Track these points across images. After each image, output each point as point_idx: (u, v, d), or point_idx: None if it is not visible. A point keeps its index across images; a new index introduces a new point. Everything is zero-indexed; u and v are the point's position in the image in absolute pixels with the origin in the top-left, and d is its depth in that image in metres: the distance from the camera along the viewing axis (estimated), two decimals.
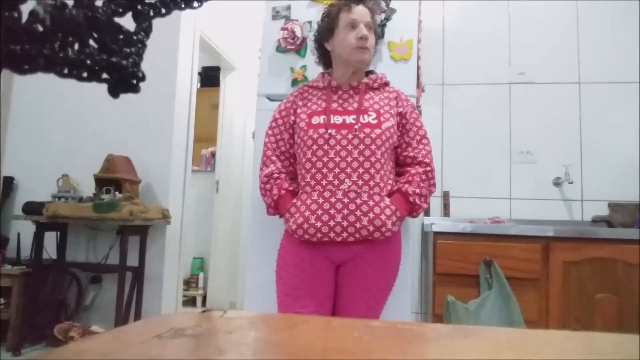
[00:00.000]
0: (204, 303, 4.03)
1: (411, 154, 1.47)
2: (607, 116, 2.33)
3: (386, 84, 1.52)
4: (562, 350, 0.43)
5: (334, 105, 1.45)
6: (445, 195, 2.39)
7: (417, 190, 1.41)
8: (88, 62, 0.33)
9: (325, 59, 1.57)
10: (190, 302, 4.07)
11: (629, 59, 2.34)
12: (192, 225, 3.82)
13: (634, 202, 2.20)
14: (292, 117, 1.50)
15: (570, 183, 2.23)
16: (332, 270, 1.42)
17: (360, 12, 1.45)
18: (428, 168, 1.46)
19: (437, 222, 1.99)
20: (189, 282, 4.06)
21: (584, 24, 2.40)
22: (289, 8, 1.89)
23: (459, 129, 2.45)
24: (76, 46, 0.33)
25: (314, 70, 1.71)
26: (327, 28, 1.49)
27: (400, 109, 1.47)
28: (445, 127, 2.46)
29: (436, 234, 1.93)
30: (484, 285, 1.82)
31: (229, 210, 3.95)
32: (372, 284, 1.39)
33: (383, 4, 1.79)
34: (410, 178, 1.43)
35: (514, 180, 2.37)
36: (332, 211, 1.34)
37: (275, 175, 1.48)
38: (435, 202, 2.40)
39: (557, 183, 2.32)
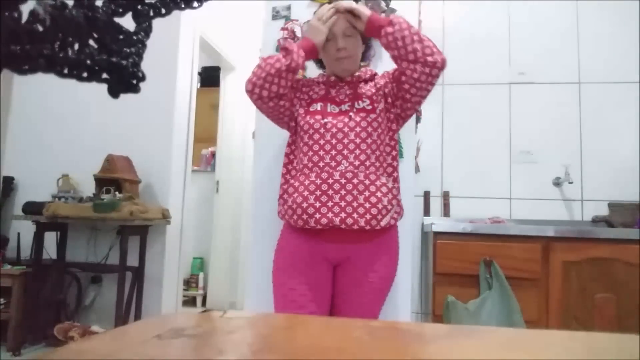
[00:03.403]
0: (204, 303, 4.03)
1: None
2: (607, 116, 2.33)
3: (375, 74, 1.55)
4: (562, 350, 0.43)
5: (331, 94, 1.49)
6: (445, 195, 2.39)
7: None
8: (88, 62, 0.33)
9: (320, 64, 1.61)
10: (190, 302, 4.07)
11: (629, 59, 2.34)
12: (192, 225, 3.82)
13: (634, 202, 2.20)
14: (299, 94, 1.51)
15: (570, 183, 2.23)
16: (329, 270, 1.42)
17: (336, 21, 1.46)
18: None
19: (437, 222, 1.99)
20: (189, 282, 4.07)
21: (584, 24, 2.40)
22: (289, 8, 1.90)
23: (459, 129, 2.45)
24: (76, 46, 0.33)
25: (314, 71, 1.71)
26: None
27: (387, 79, 1.49)
28: (445, 127, 2.46)
29: (436, 234, 1.93)
30: (484, 285, 1.82)
31: (229, 210, 3.96)
32: (369, 284, 1.38)
33: (383, 4, 1.79)
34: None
35: (514, 180, 2.37)
36: (330, 192, 1.35)
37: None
38: (435, 202, 2.41)
39: (557, 183, 2.32)
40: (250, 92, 1.41)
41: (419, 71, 1.34)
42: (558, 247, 1.84)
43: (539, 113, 2.39)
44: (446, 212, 2.38)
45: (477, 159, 2.41)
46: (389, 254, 1.42)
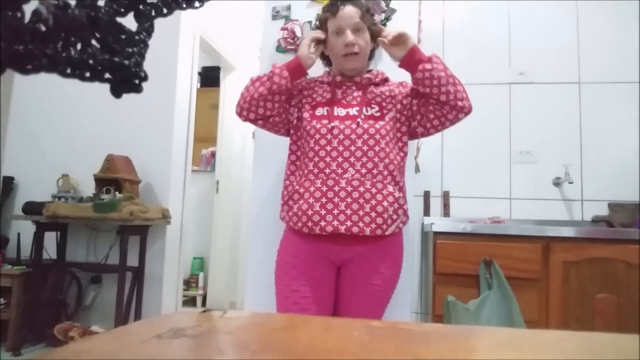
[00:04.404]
0: (204, 303, 4.03)
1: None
2: (607, 116, 2.34)
3: (386, 79, 1.51)
4: (562, 350, 0.43)
5: (337, 97, 1.45)
6: (445, 195, 2.39)
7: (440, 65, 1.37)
8: (90, 62, 0.33)
9: (326, 61, 1.57)
10: (190, 302, 4.07)
11: (629, 59, 2.34)
12: (192, 225, 3.83)
13: (634, 202, 2.20)
14: (300, 98, 1.49)
15: (570, 183, 2.23)
16: (333, 272, 1.41)
17: (345, 15, 1.41)
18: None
19: (437, 222, 1.99)
20: (189, 282, 4.07)
21: (584, 24, 2.40)
22: (289, 8, 1.90)
23: (459, 129, 2.43)
24: (79, 46, 0.33)
25: (313, 71, 1.70)
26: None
27: (407, 89, 1.47)
28: None
29: (436, 234, 1.93)
30: (484, 285, 1.83)
31: (229, 210, 3.96)
32: (373, 286, 1.38)
33: (383, 4, 1.79)
34: None
35: (514, 180, 2.37)
36: (336, 199, 1.33)
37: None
38: (435, 202, 2.41)
39: (557, 183, 2.32)
40: (238, 115, 1.45)
41: (446, 112, 1.37)
42: (558, 247, 1.84)
43: (539, 113, 2.39)
44: (446, 212, 2.38)
45: (477, 159, 2.41)
46: (393, 257, 1.41)
